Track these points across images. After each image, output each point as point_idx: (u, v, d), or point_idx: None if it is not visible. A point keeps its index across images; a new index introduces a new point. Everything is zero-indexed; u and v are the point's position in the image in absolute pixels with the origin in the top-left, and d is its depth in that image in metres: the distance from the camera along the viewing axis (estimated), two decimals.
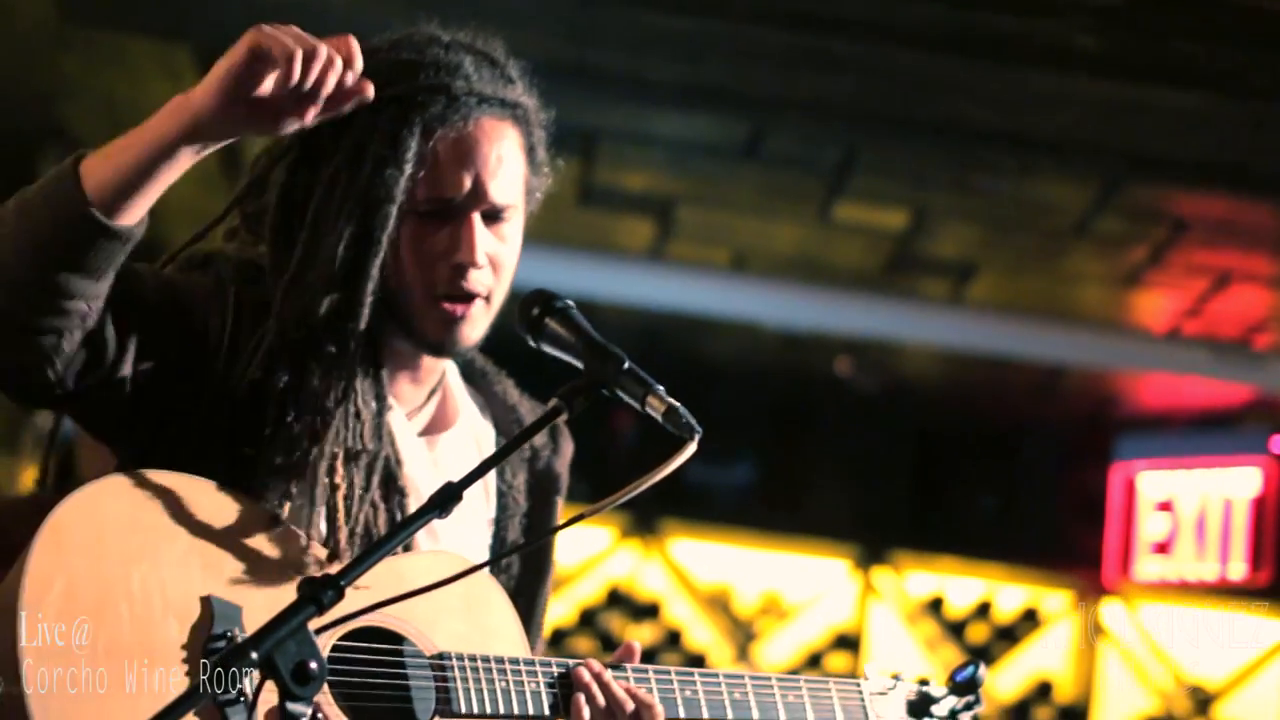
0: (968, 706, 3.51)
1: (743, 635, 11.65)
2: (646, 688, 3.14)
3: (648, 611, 11.66)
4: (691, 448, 2.74)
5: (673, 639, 11.62)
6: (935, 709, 3.50)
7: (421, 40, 3.05)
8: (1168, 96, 7.23)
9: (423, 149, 2.99)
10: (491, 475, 3.22)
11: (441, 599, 2.94)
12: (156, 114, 2.71)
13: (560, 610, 11.62)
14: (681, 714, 3.16)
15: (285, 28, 2.67)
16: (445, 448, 3.17)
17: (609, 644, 11.44)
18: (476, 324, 3.07)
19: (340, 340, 3.03)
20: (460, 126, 3.01)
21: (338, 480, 2.97)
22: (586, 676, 3.08)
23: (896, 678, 3.51)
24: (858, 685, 3.44)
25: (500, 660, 3.00)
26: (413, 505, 3.03)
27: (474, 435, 3.26)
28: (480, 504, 3.20)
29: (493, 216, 3.05)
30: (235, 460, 2.93)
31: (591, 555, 11.67)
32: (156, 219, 2.78)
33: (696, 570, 11.77)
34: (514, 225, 3.10)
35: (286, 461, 2.95)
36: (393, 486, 3.05)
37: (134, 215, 2.73)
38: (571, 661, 3.08)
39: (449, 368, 3.23)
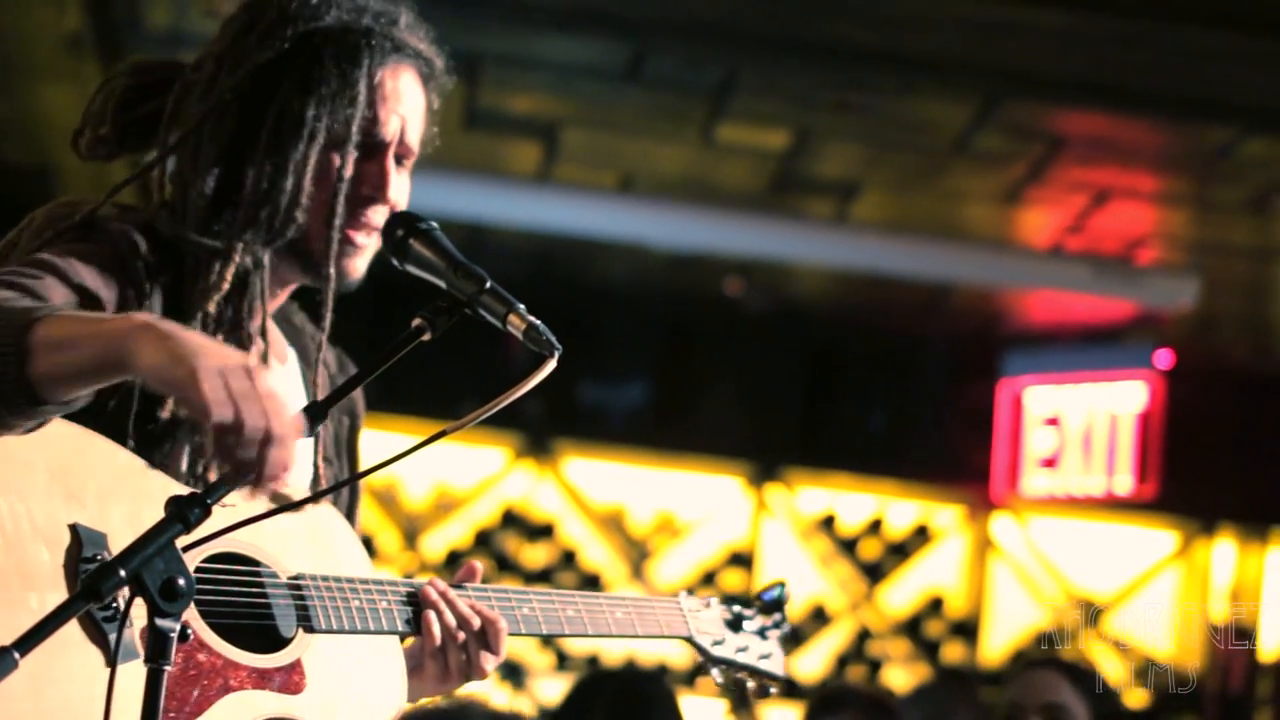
0: (775, 624, 3.78)
1: (637, 554, 11.70)
2: (488, 605, 3.24)
3: (543, 532, 11.66)
4: (551, 364, 2.80)
5: (568, 559, 11.63)
6: (747, 625, 3.74)
7: None
8: (1041, 15, 7.31)
9: (369, 87, 3.10)
10: (301, 391, 3.30)
11: (287, 529, 3.03)
12: (117, 324, 2.69)
13: (456, 532, 11.63)
14: (522, 630, 3.28)
15: (258, 390, 2.63)
16: (281, 379, 3.21)
17: (505, 565, 11.47)
18: (367, 258, 3.18)
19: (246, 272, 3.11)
20: (396, 71, 3.14)
21: None
22: (434, 595, 3.17)
23: (702, 595, 3.73)
24: (678, 603, 3.64)
25: (353, 581, 3.09)
26: None
27: (294, 366, 3.33)
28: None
29: (400, 161, 3.19)
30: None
31: (486, 477, 11.67)
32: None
33: (590, 490, 11.80)
34: (408, 174, 3.22)
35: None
36: None
37: (75, 398, 2.73)
38: (417, 581, 3.17)
39: None
